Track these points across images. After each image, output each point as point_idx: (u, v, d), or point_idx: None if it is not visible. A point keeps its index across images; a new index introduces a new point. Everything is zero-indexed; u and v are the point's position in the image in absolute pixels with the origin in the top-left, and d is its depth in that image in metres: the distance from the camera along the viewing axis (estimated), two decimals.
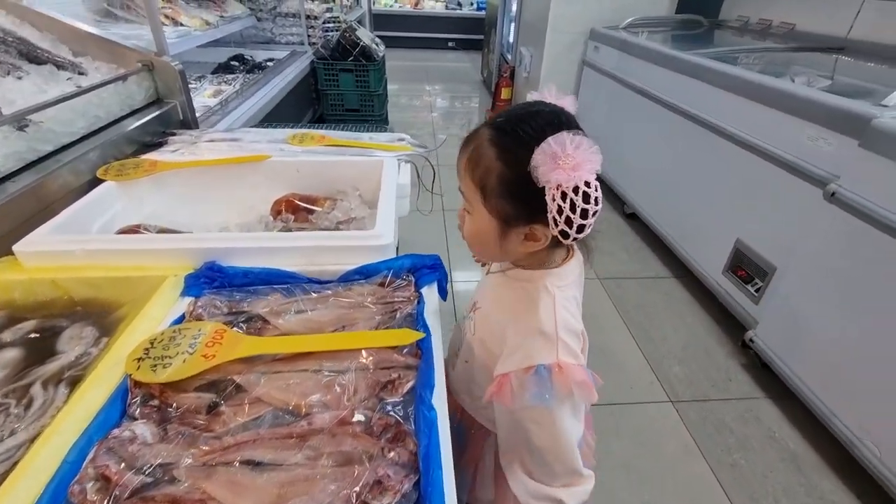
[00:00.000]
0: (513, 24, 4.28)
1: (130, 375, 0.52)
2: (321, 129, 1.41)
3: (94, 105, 1.12)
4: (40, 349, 0.61)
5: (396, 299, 0.68)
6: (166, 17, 2.31)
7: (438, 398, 0.53)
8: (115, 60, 1.30)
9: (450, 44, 7.35)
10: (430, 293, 0.70)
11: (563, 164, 0.46)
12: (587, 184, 0.47)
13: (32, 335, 0.64)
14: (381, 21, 7.23)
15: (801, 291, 1.48)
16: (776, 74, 1.66)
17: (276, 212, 0.96)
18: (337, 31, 3.45)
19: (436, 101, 4.99)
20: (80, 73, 1.19)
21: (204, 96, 2.39)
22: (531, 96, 0.59)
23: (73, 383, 0.56)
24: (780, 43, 2.31)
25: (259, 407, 0.52)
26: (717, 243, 1.85)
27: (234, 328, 0.62)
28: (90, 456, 0.45)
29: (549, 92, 0.58)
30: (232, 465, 0.45)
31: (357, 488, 0.42)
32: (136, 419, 0.49)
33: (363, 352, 0.57)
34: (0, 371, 0.58)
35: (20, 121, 0.92)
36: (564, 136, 0.47)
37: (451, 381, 0.74)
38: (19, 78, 1.03)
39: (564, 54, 3.03)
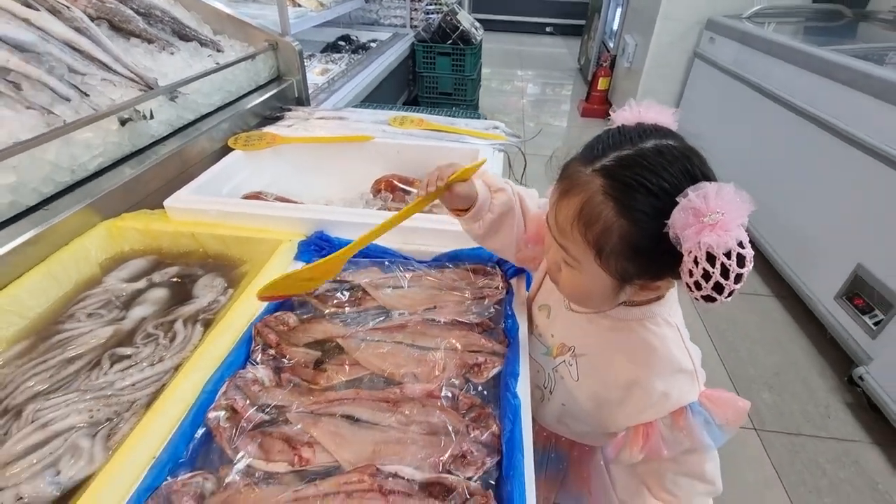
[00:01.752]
0: (619, 10, 4.04)
1: (254, 326, 0.60)
2: (418, 112, 1.46)
3: (228, 80, 1.25)
4: (181, 292, 0.72)
5: (485, 286, 0.70)
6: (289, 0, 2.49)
7: (522, 386, 0.54)
8: (247, 39, 1.44)
9: (548, 29, 7.11)
10: (518, 284, 0.72)
11: (709, 222, 0.40)
12: (741, 244, 0.40)
13: (175, 279, 0.75)
14: (480, 4, 7.16)
15: None
16: None
17: (376, 190, 1.02)
18: (438, 13, 3.49)
19: (527, 87, 4.89)
20: (218, 51, 1.33)
21: (313, 74, 2.56)
22: (624, 112, 0.52)
23: (207, 324, 0.66)
24: None
25: (358, 369, 0.58)
26: (833, 265, 1.65)
27: (339, 294, 0.68)
28: (222, 389, 0.53)
29: (646, 108, 0.51)
30: (335, 416, 0.51)
31: (444, 457, 0.46)
32: (256, 364, 0.56)
33: (454, 333, 0.60)
34: (151, 307, 0.69)
35: (172, 92, 1.06)
36: (707, 188, 0.41)
37: (541, 415, 0.70)
38: (172, 54, 1.18)
39: (674, 44, 2.82)
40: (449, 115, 1.70)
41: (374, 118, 1.32)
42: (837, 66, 1.68)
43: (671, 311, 0.56)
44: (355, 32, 3.34)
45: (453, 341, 0.60)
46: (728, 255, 0.40)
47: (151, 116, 1.00)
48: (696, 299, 0.43)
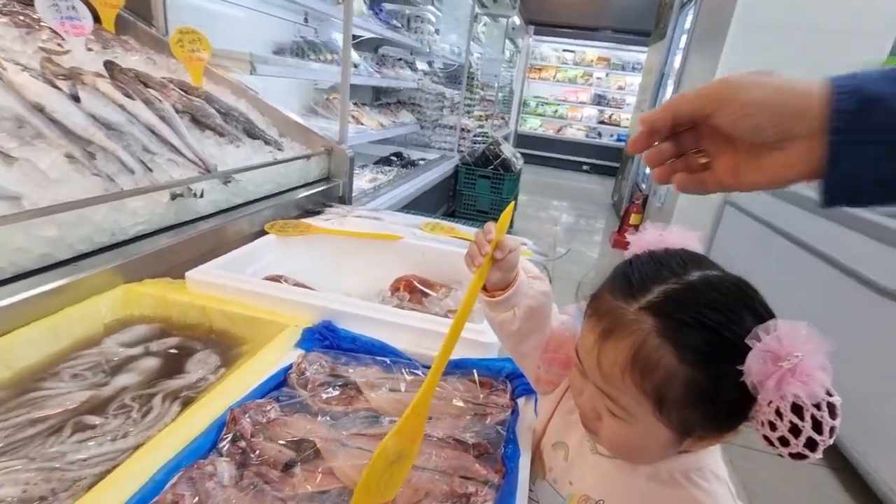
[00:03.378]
0: None
1: (231, 411, 0.55)
2: (451, 222, 1.51)
3: (281, 175, 1.36)
4: (173, 365, 0.69)
5: (490, 403, 0.63)
6: (352, 117, 2.83)
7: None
8: (306, 143, 1.60)
9: (584, 167, 7.65)
10: (526, 406, 0.64)
11: (787, 367, 0.36)
12: (828, 391, 0.36)
13: (172, 350, 0.72)
14: (523, 141, 7.90)
15: None
16: None
17: (395, 288, 1.01)
18: (484, 143, 3.84)
19: (561, 216, 5.09)
20: (279, 149, 1.47)
21: (363, 180, 2.78)
22: (645, 235, 0.49)
23: (185, 403, 0.61)
24: None
25: (330, 480, 0.50)
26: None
27: (330, 389, 0.63)
28: (172, 481, 0.46)
29: (669, 232, 0.48)
30: None
31: None
32: (221, 455, 0.50)
33: (446, 452, 0.53)
34: (137, 376, 0.66)
35: (227, 177, 1.15)
36: (780, 328, 0.37)
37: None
38: (237, 147, 1.32)
39: (703, 197, 2.92)
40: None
41: (407, 222, 1.37)
42: (879, 227, 1.66)
43: (717, 461, 0.49)
44: (408, 151, 3.68)
45: (444, 460, 0.52)
46: (818, 406, 0.36)
47: (201, 195, 1.07)
48: (782, 455, 0.38)
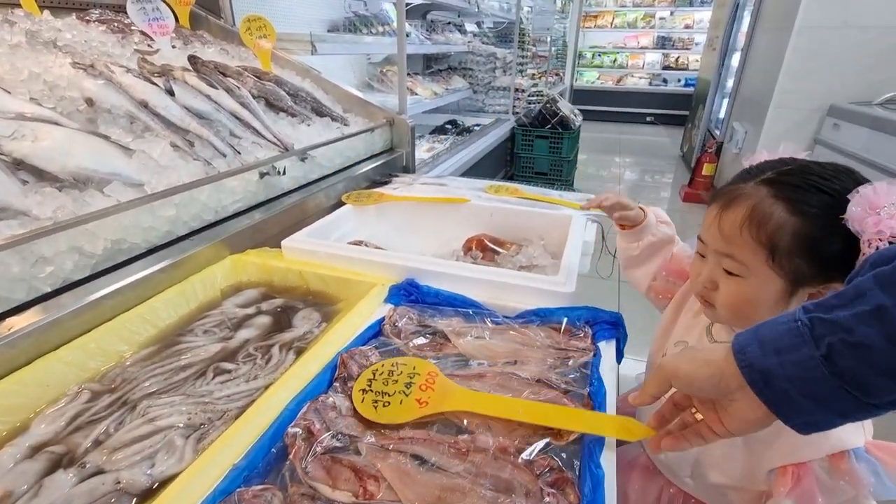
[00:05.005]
0: (725, 100, 3.97)
1: (340, 356, 0.63)
2: (514, 183, 1.52)
3: (349, 148, 1.43)
4: (282, 321, 0.79)
5: (571, 347, 0.66)
6: (407, 88, 2.85)
7: (608, 457, 0.49)
8: (368, 116, 1.66)
9: (648, 119, 7.17)
10: (607, 349, 0.67)
11: (885, 215, 0.41)
12: None
13: (279, 309, 0.82)
14: (579, 96, 7.52)
15: None
16: None
17: (466, 248, 1.05)
18: (539, 102, 3.73)
19: (625, 174, 4.86)
20: (345, 125, 1.54)
21: (421, 151, 2.82)
22: (761, 156, 0.57)
23: (299, 352, 0.70)
24: None
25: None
26: None
27: (420, 338, 0.69)
28: (303, 410, 0.55)
29: (783, 151, 0.55)
30: (404, 455, 0.50)
31: None
32: (338, 392, 0.58)
33: (535, 390, 0.57)
34: (255, 331, 0.76)
35: (303, 154, 1.23)
36: (878, 184, 0.43)
37: (667, 466, 0.67)
38: (308, 125, 1.40)
39: (791, 132, 2.66)
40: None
41: (472, 186, 1.39)
42: None
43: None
44: (462, 118, 3.66)
45: (534, 397, 0.56)
46: None
47: (284, 173, 1.17)
48: None
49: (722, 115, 3.96)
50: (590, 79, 7.55)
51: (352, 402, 0.56)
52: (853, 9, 2.34)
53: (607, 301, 2.32)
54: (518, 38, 4.75)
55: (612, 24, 7.19)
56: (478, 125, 3.46)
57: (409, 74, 3.04)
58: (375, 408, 0.55)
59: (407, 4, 2.97)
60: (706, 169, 3.47)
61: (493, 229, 1.14)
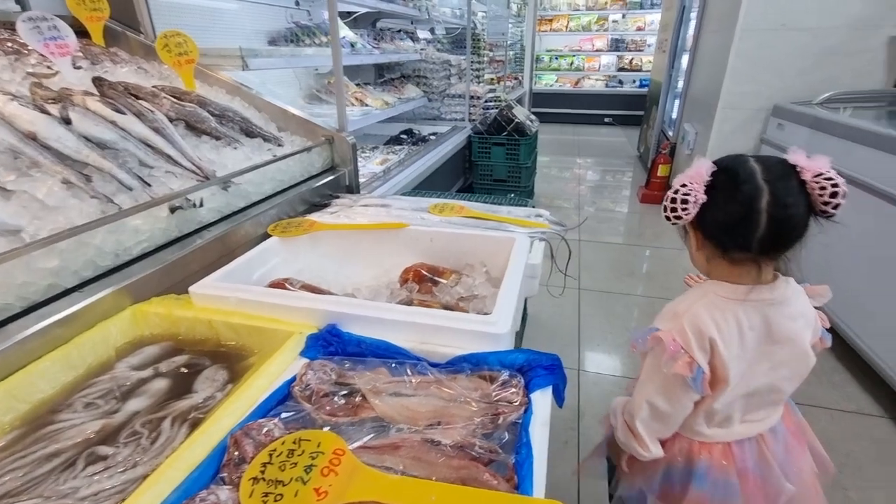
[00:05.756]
0: (677, 101, 4.06)
1: (231, 435, 0.54)
2: (463, 199, 1.46)
3: (281, 171, 1.34)
4: (182, 384, 0.69)
5: (502, 400, 0.60)
6: (356, 99, 2.76)
7: None
8: (307, 134, 1.57)
9: (606, 119, 7.30)
10: (541, 400, 0.61)
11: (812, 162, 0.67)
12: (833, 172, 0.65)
13: (182, 369, 0.72)
14: (539, 99, 7.59)
15: None
16: None
17: (403, 280, 0.98)
18: (497, 108, 3.71)
19: (586, 174, 4.90)
20: (279, 145, 1.45)
21: (374, 164, 2.73)
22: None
23: (194, 425, 0.61)
24: None
25: None
26: None
27: (335, 399, 0.61)
28: None
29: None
30: None
31: None
32: (223, 484, 0.49)
33: (453, 464, 0.50)
34: (148, 399, 0.66)
35: (225, 182, 1.13)
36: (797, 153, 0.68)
37: None
38: (235, 148, 1.29)
39: (738, 131, 2.71)
40: (494, 203, 1.70)
41: (416, 205, 1.32)
42: None
43: (722, 291, 0.72)
44: (418, 126, 3.59)
45: (450, 469, 0.49)
46: (832, 178, 0.66)
47: (201, 204, 1.06)
48: (826, 213, 0.67)
49: (674, 115, 4.04)
50: (548, 82, 7.63)
51: (239, 496, 0.48)
52: (790, 11, 2.41)
53: (567, 316, 2.29)
54: (473, 44, 4.74)
55: (567, 27, 7.30)
56: (434, 134, 3.40)
57: (358, 84, 2.96)
58: (265, 503, 0.46)
59: (350, 14, 2.89)
60: (661, 170, 3.52)
61: (433, 256, 1.07)
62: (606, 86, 7.36)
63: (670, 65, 4.17)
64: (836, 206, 0.64)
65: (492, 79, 5.98)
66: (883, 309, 1.68)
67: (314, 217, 1.25)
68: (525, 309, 2.05)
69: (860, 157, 1.83)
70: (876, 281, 1.73)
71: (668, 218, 0.69)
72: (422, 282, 0.96)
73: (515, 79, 7.26)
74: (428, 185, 2.70)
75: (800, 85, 2.53)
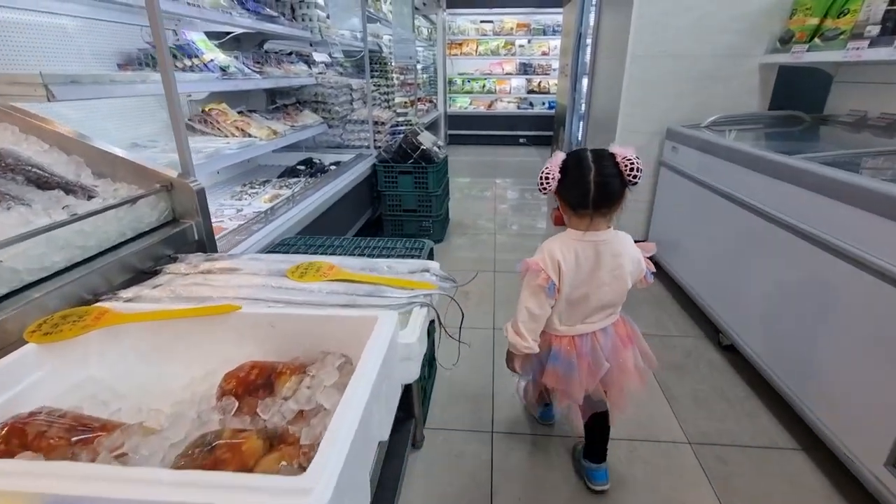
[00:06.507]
0: (581, 122, 4.16)
1: None
2: (368, 235, 1.21)
3: (83, 234, 1.02)
4: None
5: None
6: (237, 128, 2.44)
7: None
8: (139, 181, 1.25)
9: (521, 140, 7.48)
10: None
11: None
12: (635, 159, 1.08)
13: None
14: (455, 121, 7.61)
15: None
16: None
17: (222, 392, 0.72)
18: (403, 133, 3.54)
19: (506, 194, 4.90)
20: (89, 197, 1.12)
21: (262, 201, 2.42)
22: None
23: None
24: None
25: None
26: (873, 420, 1.30)
27: None
28: None
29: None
30: None
31: None
32: None
33: None
34: None
35: None
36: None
37: None
38: (8, 208, 0.96)
39: (639, 154, 2.76)
40: (383, 250, 1.47)
41: (272, 269, 1.06)
42: (810, 175, 1.52)
43: (566, 236, 1.15)
44: (320, 155, 3.32)
45: None
46: (633, 161, 1.08)
47: None
48: (631, 181, 1.09)
49: (580, 136, 4.14)
50: (462, 104, 7.68)
51: None
52: (668, 39, 2.50)
53: (481, 365, 2.11)
54: (380, 68, 4.58)
55: (476, 51, 7.42)
56: (338, 162, 3.15)
57: (241, 112, 2.64)
58: None
59: (227, 34, 2.58)
60: None
61: (276, 345, 0.82)
62: (518, 108, 7.56)
63: (572, 87, 4.29)
64: (636, 178, 1.06)
65: (404, 102, 5.86)
66: (791, 335, 1.68)
67: (130, 293, 0.95)
68: (433, 362, 1.84)
69: (749, 181, 1.87)
70: (770, 301, 1.73)
71: (540, 190, 1.12)
72: (245, 395, 0.70)
73: (430, 101, 7.22)
74: (327, 222, 2.43)
75: (686, 108, 2.62)
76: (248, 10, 2.37)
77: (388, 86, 4.61)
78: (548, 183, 1.10)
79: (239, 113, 2.62)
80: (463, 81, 7.62)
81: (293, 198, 2.28)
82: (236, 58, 2.44)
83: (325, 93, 3.26)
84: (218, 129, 2.44)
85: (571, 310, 1.18)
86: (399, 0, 4.91)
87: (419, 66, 6.85)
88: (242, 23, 2.25)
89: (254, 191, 2.63)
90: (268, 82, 2.48)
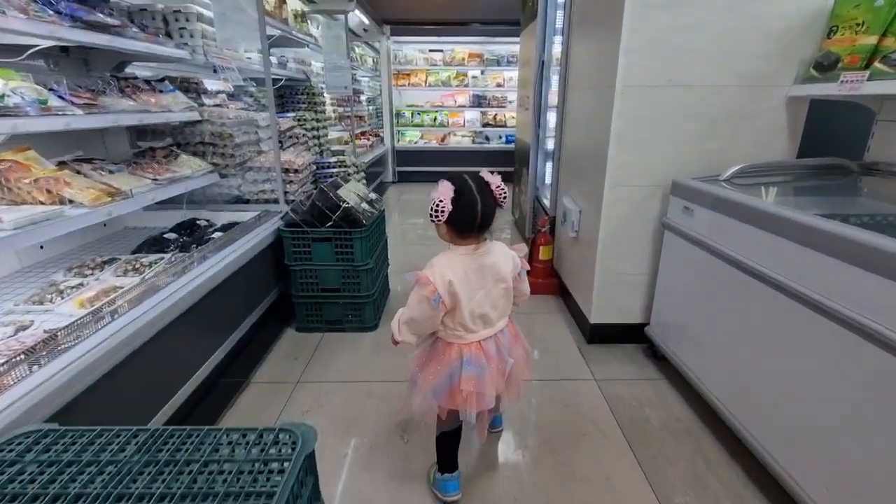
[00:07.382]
0: (549, 163, 3.54)
1: None
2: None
3: None
4: None
5: None
6: (45, 191, 1.57)
7: None
8: None
9: None
10: None
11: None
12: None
13: None
14: (404, 157, 6.92)
15: None
16: None
17: None
18: (341, 176, 2.75)
19: None
20: None
21: (73, 304, 1.53)
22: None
23: None
24: None
25: None
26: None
27: None
28: None
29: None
30: None
31: None
32: None
33: None
34: None
35: None
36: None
37: None
38: None
39: (635, 214, 2.10)
40: (200, 470, 0.66)
41: None
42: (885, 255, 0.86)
43: (452, 255, 1.27)
44: (212, 213, 2.46)
45: None
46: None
47: None
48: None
49: (548, 180, 3.51)
50: (412, 138, 7.01)
51: None
52: (675, 65, 1.87)
53: None
54: (308, 99, 3.81)
55: (426, 82, 6.83)
56: (233, 224, 2.30)
57: (66, 164, 1.77)
58: None
59: (31, 46, 1.73)
60: (543, 253, 2.85)
61: None
62: (473, 142, 6.98)
63: (535, 122, 3.68)
64: (503, 200, 1.24)
65: (341, 138, 5.10)
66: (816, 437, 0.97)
67: None
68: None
69: (790, 256, 1.20)
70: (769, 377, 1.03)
71: (432, 220, 1.22)
72: None
73: (376, 135, 6.51)
74: (198, 319, 1.56)
75: (692, 153, 2.00)
76: (58, 12, 1.54)
77: (317, 119, 3.84)
78: (442, 214, 1.18)
79: (59, 165, 1.75)
80: (412, 114, 6.98)
81: (146, 289, 1.42)
82: (47, 87, 1.59)
83: (219, 132, 2.43)
84: (9, 190, 1.56)
85: (474, 318, 1.28)
86: (331, 23, 4.20)
87: (363, 98, 6.16)
88: (40, 31, 1.42)
89: (83, 279, 1.73)
90: (96, 120, 1.63)
